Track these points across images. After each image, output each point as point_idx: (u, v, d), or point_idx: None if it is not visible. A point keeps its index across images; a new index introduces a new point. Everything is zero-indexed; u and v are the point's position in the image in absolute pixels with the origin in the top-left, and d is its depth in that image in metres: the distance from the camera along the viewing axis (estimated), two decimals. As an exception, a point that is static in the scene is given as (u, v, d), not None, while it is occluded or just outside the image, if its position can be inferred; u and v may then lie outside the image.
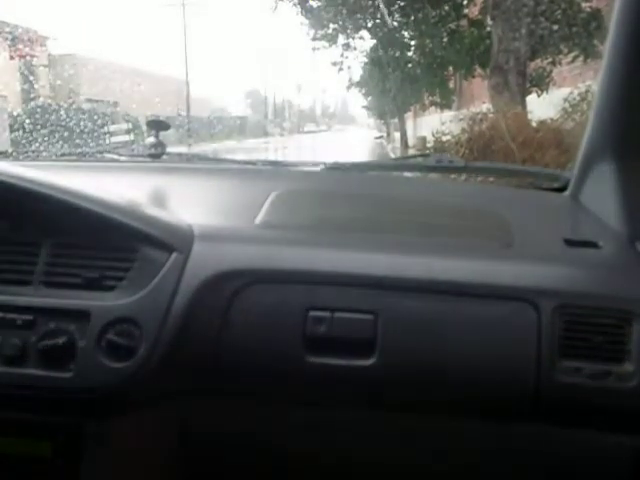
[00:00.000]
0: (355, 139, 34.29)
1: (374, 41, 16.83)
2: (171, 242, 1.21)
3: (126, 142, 16.33)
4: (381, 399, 1.21)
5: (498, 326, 1.18)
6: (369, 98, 28.88)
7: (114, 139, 16.82)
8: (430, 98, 17.13)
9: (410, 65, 16.19)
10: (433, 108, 20.40)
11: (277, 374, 1.21)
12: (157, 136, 1.82)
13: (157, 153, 1.83)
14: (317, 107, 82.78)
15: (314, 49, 17.27)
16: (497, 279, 1.20)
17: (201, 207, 1.46)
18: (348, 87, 20.06)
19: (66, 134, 15.24)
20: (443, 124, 9.05)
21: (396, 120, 27.10)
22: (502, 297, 1.19)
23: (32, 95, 21.28)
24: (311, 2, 16.91)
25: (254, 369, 1.21)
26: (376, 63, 18.13)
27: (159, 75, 33.14)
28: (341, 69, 17.09)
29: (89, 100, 23.17)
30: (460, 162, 1.76)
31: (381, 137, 31.07)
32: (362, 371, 1.18)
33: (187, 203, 1.48)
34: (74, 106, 19.87)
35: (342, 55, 16.96)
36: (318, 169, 1.83)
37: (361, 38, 16.89)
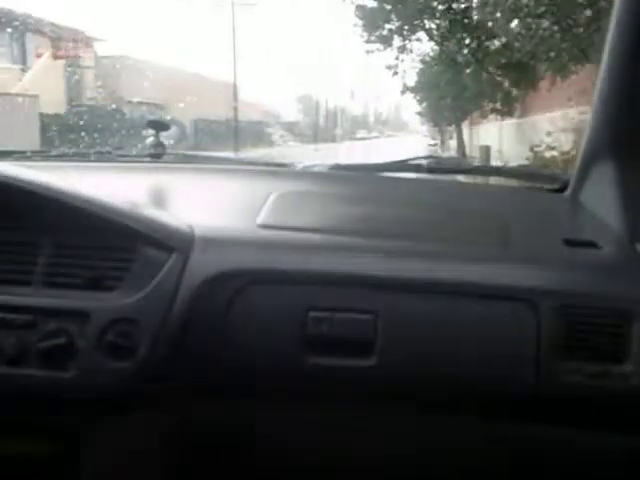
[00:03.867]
0: (408, 146, 33.60)
1: (431, 43, 15.88)
2: (171, 242, 1.21)
3: (170, 146, 15.46)
4: (381, 399, 1.22)
5: (497, 326, 1.18)
6: (423, 104, 27.72)
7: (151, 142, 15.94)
8: (491, 105, 15.99)
9: (471, 69, 15.01)
10: (491, 116, 19.44)
11: (277, 374, 1.21)
12: (157, 136, 1.82)
13: (157, 153, 1.83)
14: (370, 113, 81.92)
15: (368, 52, 16.49)
16: (497, 279, 1.21)
17: (201, 207, 1.43)
18: (403, 92, 19.05)
19: (101, 136, 14.48)
20: (549, 134, 7.77)
21: (451, 128, 26.27)
22: (502, 297, 1.19)
23: (76, 97, 20.77)
24: (365, 2, 16.03)
25: (254, 369, 1.21)
26: (433, 67, 17.14)
27: (208, 78, 32.53)
28: (396, 73, 16.34)
29: (132, 102, 22.56)
30: (459, 163, 1.58)
31: (435, 144, 30.23)
32: (362, 371, 1.18)
33: (187, 203, 1.47)
34: (114, 108, 19.22)
35: (397, 58, 16.19)
36: (319, 170, 1.86)
37: (418, 40, 16.03)
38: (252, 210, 1.39)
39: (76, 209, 1.20)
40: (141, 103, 22.86)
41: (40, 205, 1.21)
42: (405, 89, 18.87)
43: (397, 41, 16.13)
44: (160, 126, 1.84)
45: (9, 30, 19.11)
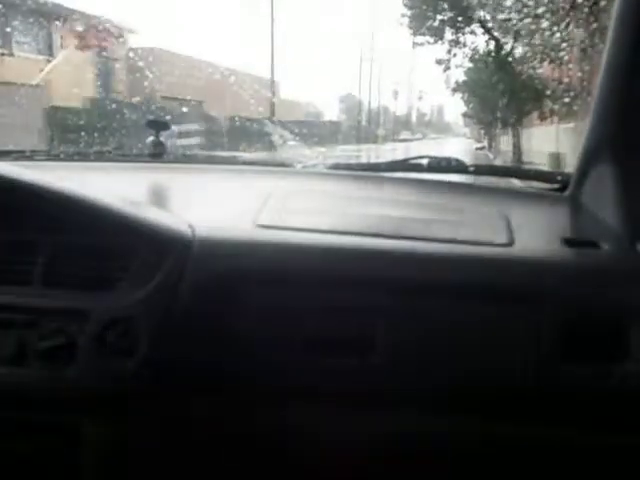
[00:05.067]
0: (454, 149, 31.84)
1: (487, 36, 14.37)
2: (171, 242, 1.22)
3: (192, 146, 14.19)
4: (381, 398, 1.23)
5: (498, 326, 1.19)
6: (470, 105, 26.29)
7: (181, 142, 14.62)
8: (553, 106, 14.44)
9: (534, 64, 13.46)
10: (539, 121, 17.82)
11: (277, 374, 1.22)
12: (157, 136, 1.81)
13: (157, 153, 1.83)
14: (413, 114, 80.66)
15: (415, 44, 15.13)
16: (497, 279, 1.22)
17: (201, 207, 1.44)
18: (454, 90, 17.63)
19: (121, 133, 13.17)
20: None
21: (499, 130, 24.93)
22: (502, 297, 1.20)
23: (104, 90, 19.65)
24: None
25: (254, 369, 1.21)
26: (487, 63, 15.61)
27: (246, 74, 31.34)
28: (448, 68, 15.05)
29: (167, 98, 21.41)
30: (460, 163, 1.81)
31: (483, 148, 28.78)
32: (362, 371, 1.20)
33: (187, 203, 1.48)
34: (136, 102, 17.99)
35: (449, 52, 14.82)
36: (319, 170, 1.88)
37: (472, 33, 14.59)
38: (252, 210, 1.38)
39: (76, 209, 1.21)
40: (175, 99, 21.72)
41: (40, 205, 1.21)
42: (457, 87, 17.40)
43: (449, 34, 14.71)
44: (160, 126, 1.83)
45: (33, 19, 18.01)
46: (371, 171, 1.89)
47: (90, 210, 1.21)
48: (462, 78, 18.50)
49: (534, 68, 13.77)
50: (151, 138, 1.84)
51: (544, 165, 12.32)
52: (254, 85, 29.20)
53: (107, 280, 1.20)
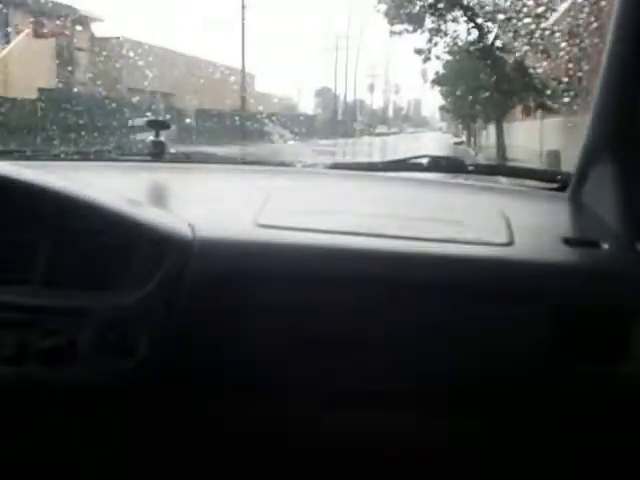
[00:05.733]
0: (431, 144, 31.70)
1: (470, 24, 13.58)
2: (171, 241, 1.22)
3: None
4: (381, 398, 1.23)
5: (497, 326, 1.19)
6: (449, 99, 25.51)
7: (141, 136, 13.62)
8: (539, 100, 13.70)
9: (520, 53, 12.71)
10: (521, 115, 17.36)
11: (277, 373, 1.22)
12: (157, 135, 1.81)
13: (157, 153, 1.83)
14: (389, 108, 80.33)
15: (393, 33, 14.33)
16: (497, 279, 1.22)
17: (201, 207, 1.43)
18: (434, 82, 16.78)
19: (81, 130, 12.14)
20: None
21: (478, 125, 24.07)
22: (502, 297, 1.20)
23: (65, 81, 18.64)
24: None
25: (254, 368, 1.22)
26: (468, 53, 14.82)
27: (220, 66, 30.45)
28: (428, 58, 14.28)
29: (134, 90, 20.47)
30: (460, 162, 1.86)
31: (462, 143, 27.86)
32: (362, 370, 1.20)
33: (187, 203, 1.48)
34: (106, 96, 16.98)
35: (430, 41, 14.04)
36: (318, 169, 1.90)
37: (454, 20, 13.81)
38: (252, 210, 1.38)
39: (76, 208, 1.21)
40: (142, 91, 20.78)
41: (40, 205, 1.21)
42: (437, 78, 16.58)
43: (429, 22, 13.94)
44: (160, 125, 1.82)
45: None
46: (371, 171, 1.88)
47: (90, 210, 1.21)
48: (442, 69, 17.75)
49: (520, 59, 13.01)
50: (151, 138, 1.83)
51: (532, 163, 11.59)
52: (227, 77, 28.41)
53: (107, 280, 1.20)
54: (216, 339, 1.20)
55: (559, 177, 1.67)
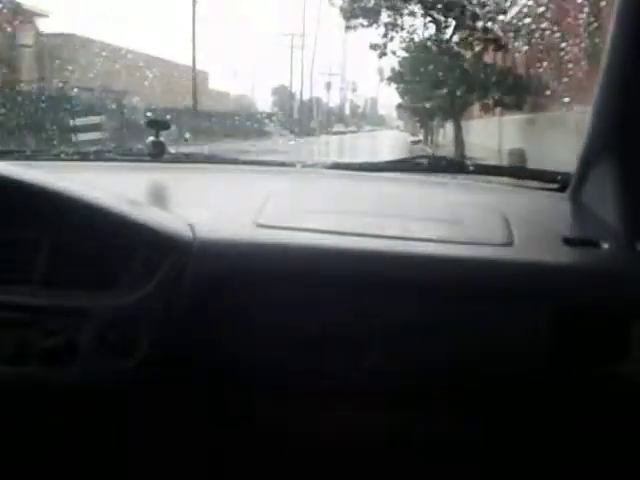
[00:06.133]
0: (389, 142, 32.40)
1: (427, 19, 13.23)
2: (171, 242, 1.23)
3: (94, 141, 12.60)
4: (381, 398, 1.24)
5: (497, 326, 1.19)
6: (406, 97, 25.29)
7: (84, 136, 12.93)
8: (496, 97, 13.40)
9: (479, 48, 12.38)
10: (479, 112, 17.11)
11: (278, 373, 1.23)
12: (157, 135, 1.81)
13: (157, 153, 1.83)
14: (346, 106, 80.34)
15: (348, 28, 13.96)
16: (496, 279, 1.22)
17: (201, 207, 1.44)
18: (390, 79, 16.38)
19: (24, 129, 11.47)
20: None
21: (435, 123, 23.78)
22: (502, 297, 1.21)
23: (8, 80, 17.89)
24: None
25: (254, 368, 1.23)
26: (424, 49, 14.48)
27: (172, 62, 29.81)
28: (384, 54, 13.94)
29: (80, 88, 19.79)
30: (459, 162, 2.00)
31: (419, 142, 27.76)
32: (363, 370, 1.20)
33: (187, 203, 1.48)
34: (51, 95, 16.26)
35: (386, 35, 13.69)
36: (318, 169, 1.89)
37: (411, 14, 13.45)
38: (252, 210, 1.38)
39: (76, 208, 1.21)
40: (90, 89, 20.12)
41: (39, 204, 1.21)
42: (393, 75, 16.20)
43: (385, 16, 13.56)
44: (160, 125, 1.81)
45: None
46: (371, 171, 1.87)
47: (90, 210, 1.20)
48: (399, 67, 17.35)
49: (478, 54, 12.70)
50: (151, 138, 1.82)
51: (492, 162, 11.26)
52: (180, 75, 27.82)
53: (107, 280, 1.19)
54: (216, 339, 1.20)
55: (559, 177, 1.67)
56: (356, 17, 13.89)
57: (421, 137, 29.79)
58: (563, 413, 1.21)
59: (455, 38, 13.32)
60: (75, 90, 18.73)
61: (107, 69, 21.11)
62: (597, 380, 1.18)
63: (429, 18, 13.57)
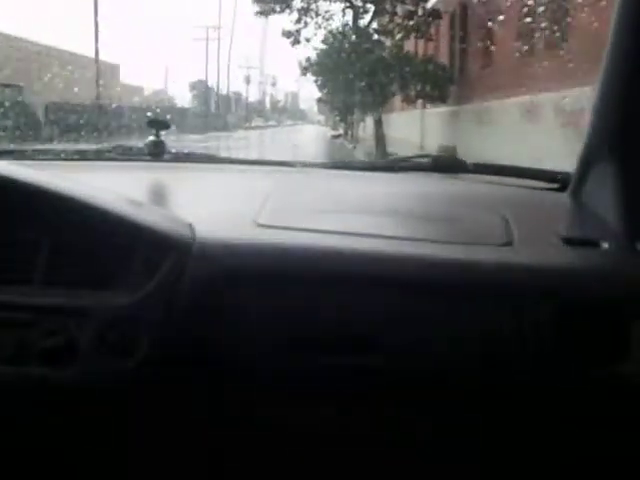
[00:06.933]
0: (308, 137, 32.29)
1: (345, 3, 12.24)
2: (171, 241, 1.23)
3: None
4: (381, 398, 1.24)
5: (497, 325, 1.19)
6: (325, 90, 24.55)
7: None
8: (418, 88, 12.54)
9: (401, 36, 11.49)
10: (401, 104, 16.60)
11: (277, 373, 1.23)
12: (157, 135, 1.82)
13: (157, 152, 1.84)
14: (267, 100, 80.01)
15: (258, 14, 12.85)
16: (497, 279, 1.22)
17: (201, 207, 1.45)
18: (305, 69, 15.32)
19: None
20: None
21: (355, 116, 23.43)
22: (502, 297, 1.21)
23: None
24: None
25: (254, 368, 1.23)
26: (342, 38, 13.52)
27: (76, 55, 28.48)
28: (297, 42, 12.94)
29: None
30: (459, 162, 1.83)
31: (339, 136, 27.52)
32: (362, 369, 1.20)
33: (187, 202, 1.50)
34: None
35: (299, 21, 12.65)
36: (318, 169, 1.94)
37: (326, -1, 12.47)
38: (252, 210, 1.39)
39: (76, 208, 1.22)
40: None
41: (40, 204, 1.21)
42: (309, 65, 15.11)
43: (298, 0, 12.57)
44: (160, 125, 1.81)
45: None
46: (371, 170, 1.92)
47: (90, 210, 1.21)
48: (316, 56, 16.34)
49: (400, 43, 11.84)
50: (151, 137, 1.81)
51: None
52: (86, 67, 26.34)
53: (107, 279, 1.19)
54: (216, 339, 1.20)
55: (559, 177, 1.66)
56: (267, 2, 12.82)
57: (341, 131, 29.66)
58: (563, 413, 1.21)
59: (374, 25, 12.40)
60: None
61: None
62: (597, 380, 1.17)
63: (346, 3, 12.62)
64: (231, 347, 1.20)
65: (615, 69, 1.34)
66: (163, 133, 1.83)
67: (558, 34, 8.37)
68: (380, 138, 14.02)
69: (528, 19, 8.78)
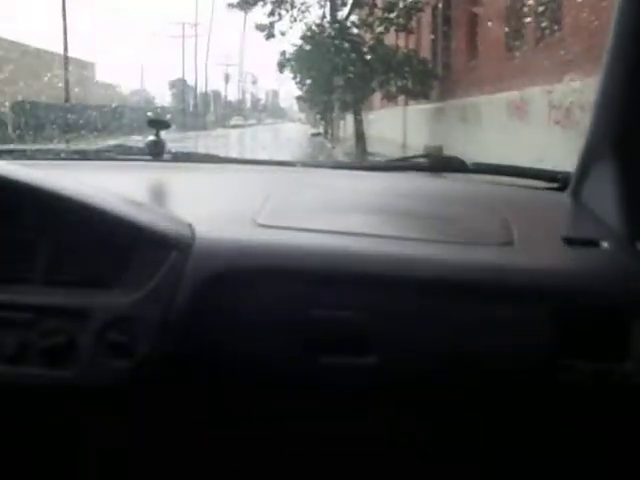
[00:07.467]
0: (288, 136, 32.20)
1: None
2: (171, 241, 1.22)
3: None
4: (381, 398, 1.24)
5: (497, 325, 1.19)
6: (304, 87, 24.08)
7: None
8: (399, 84, 12.02)
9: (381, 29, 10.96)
10: (382, 102, 16.32)
11: (277, 373, 1.23)
12: (157, 135, 1.80)
13: (157, 152, 1.83)
14: (247, 99, 79.67)
15: (230, 6, 12.27)
16: (497, 279, 1.22)
17: (201, 206, 1.45)
18: (281, 65, 14.68)
19: None
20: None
21: (335, 114, 23.06)
22: (502, 297, 1.21)
23: None
24: None
25: (254, 368, 1.23)
26: (321, 32, 12.93)
27: (47, 52, 27.96)
28: (271, 35, 12.34)
29: None
30: (459, 162, 1.82)
31: (319, 134, 27.24)
32: (362, 369, 1.20)
33: (187, 202, 1.51)
34: None
35: (273, 13, 12.04)
36: (318, 169, 1.94)
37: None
38: (252, 209, 1.39)
39: (76, 208, 1.22)
40: None
41: (39, 203, 1.22)
42: (285, 60, 14.46)
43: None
44: (160, 125, 1.80)
45: None
46: (371, 170, 1.92)
47: (90, 209, 1.21)
48: (293, 51, 15.75)
49: (380, 37, 11.29)
50: (151, 137, 1.78)
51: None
52: (57, 65, 25.88)
53: (107, 279, 1.20)
54: (216, 339, 1.20)
55: (559, 176, 1.66)
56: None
57: (321, 130, 29.28)
58: (563, 413, 1.20)
59: (353, 18, 11.85)
60: None
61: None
62: (597, 380, 1.16)
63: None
64: (231, 347, 1.20)
65: (615, 69, 1.34)
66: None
67: (546, 24, 7.93)
68: (360, 137, 13.50)
69: (514, 9, 8.31)
